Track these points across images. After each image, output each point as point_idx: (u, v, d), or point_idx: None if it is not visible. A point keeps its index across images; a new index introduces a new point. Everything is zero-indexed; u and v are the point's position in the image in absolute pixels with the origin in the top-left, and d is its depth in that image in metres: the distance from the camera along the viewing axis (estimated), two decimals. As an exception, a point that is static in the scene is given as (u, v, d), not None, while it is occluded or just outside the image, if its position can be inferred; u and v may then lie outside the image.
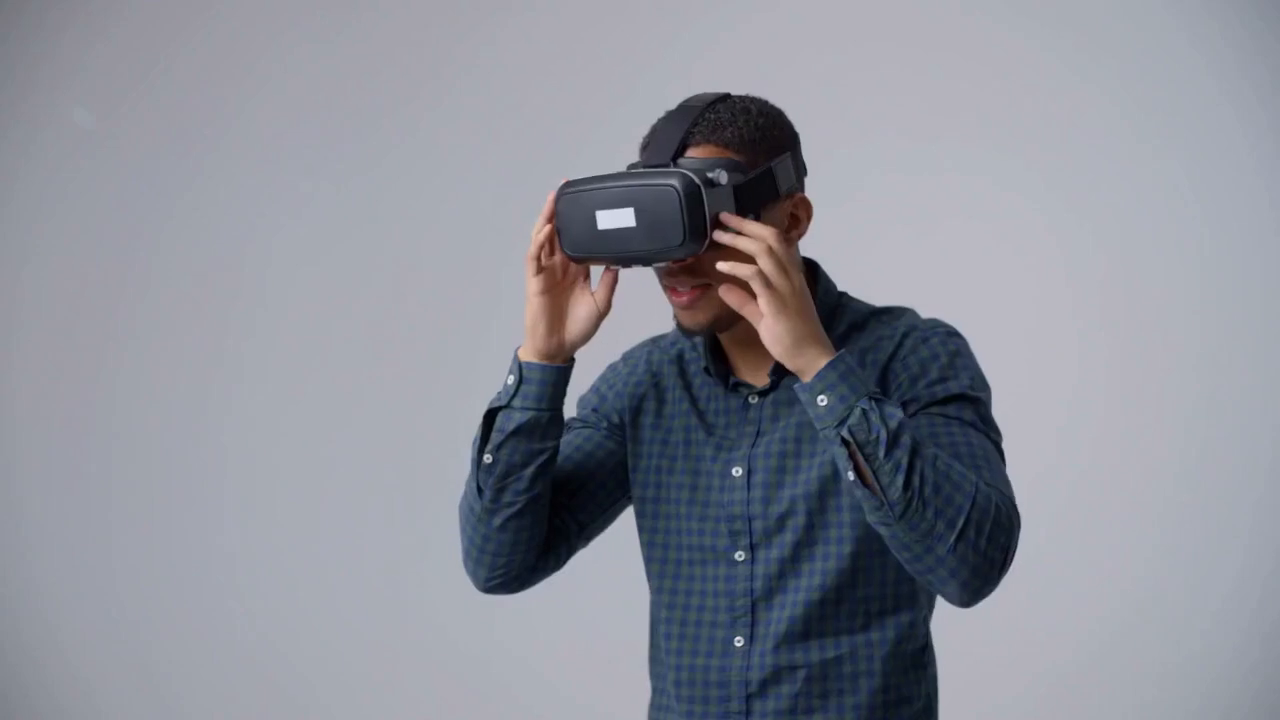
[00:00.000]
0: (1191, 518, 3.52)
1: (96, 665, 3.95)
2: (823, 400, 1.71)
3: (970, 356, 1.87)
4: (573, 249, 1.78)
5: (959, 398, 1.83)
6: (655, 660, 1.98)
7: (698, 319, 1.82)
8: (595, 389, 2.03)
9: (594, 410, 2.00)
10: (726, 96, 1.83)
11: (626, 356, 2.03)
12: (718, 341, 1.92)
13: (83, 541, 3.99)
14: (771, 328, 1.71)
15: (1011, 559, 1.75)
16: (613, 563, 3.18)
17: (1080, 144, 3.55)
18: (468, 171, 3.87)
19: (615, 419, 1.98)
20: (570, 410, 2.00)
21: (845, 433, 1.69)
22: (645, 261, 1.77)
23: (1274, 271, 3.50)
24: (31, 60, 3.95)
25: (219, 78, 3.94)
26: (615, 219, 1.74)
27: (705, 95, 1.84)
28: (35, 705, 3.96)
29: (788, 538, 1.85)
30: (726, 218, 1.72)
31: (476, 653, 3.85)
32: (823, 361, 1.71)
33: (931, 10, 3.61)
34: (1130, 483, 3.51)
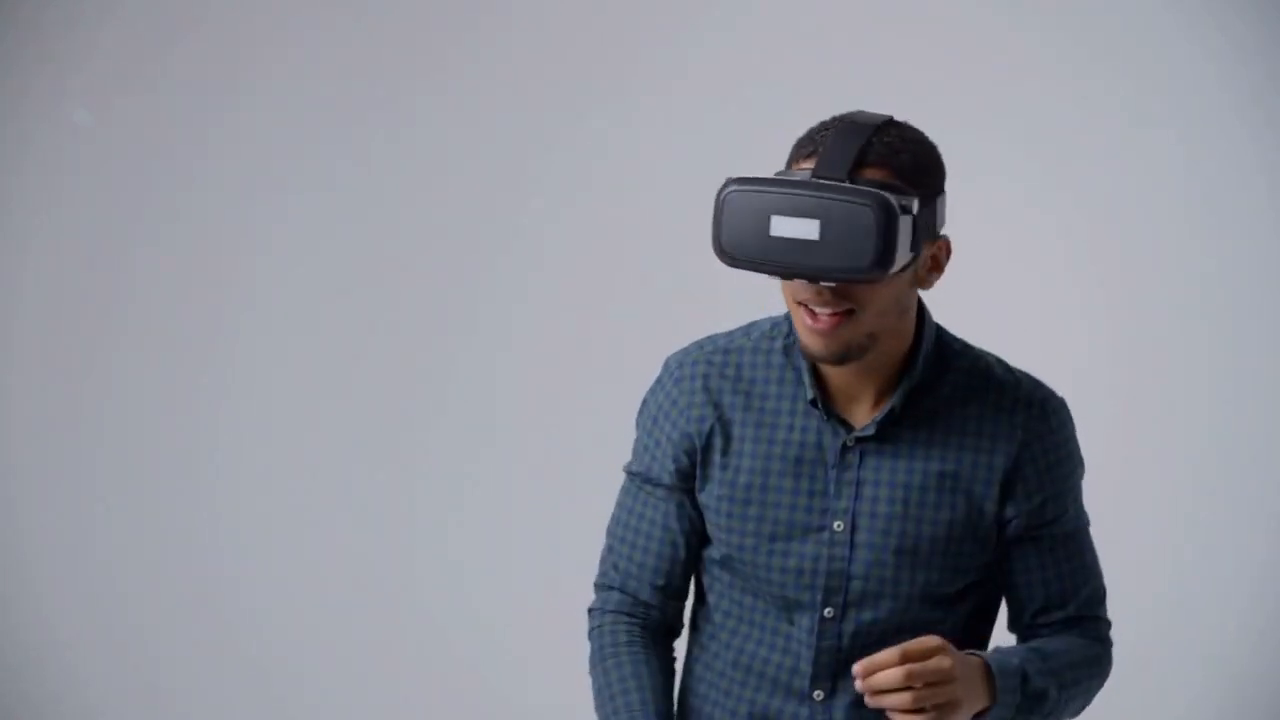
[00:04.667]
0: (1202, 525, 3.51)
1: (95, 665, 3.95)
2: None
3: (1075, 435, 1.89)
4: (734, 252, 1.67)
5: (1077, 517, 1.87)
6: (701, 696, 1.94)
7: (831, 346, 1.73)
8: (651, 433, 1.90)
9: (677, 470, 1.88)
10: (893, 121, 1.74)
11: (675, 377, 1.89)
12: (817, 367, 1.82)
13: (80, 540, 3.99)
14: None
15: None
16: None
17: (1082, 145, 3.54)
18: (466, 170, 3.87)
19: (684, 462, 1.88)
20: (625, 448, 1.94)
21: None
22: (822, 278, 1.65)
23: (1276, 273, 3.50)
24: (31, 60, 3.95)
25: (217, 77, 3.94)
26: (794, 228, 1.62)
27: (869, 114, 1.75)
28: (35, 705, 3.96)
29: (884, 604, 1.82)
30: (859, 667, 1.64)
31: (475, 651, 3.85)
32: (984, 705, 1.71)
33: (932, 9, 3.61)
34: (1136, 488, 3.50)
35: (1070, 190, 3.55)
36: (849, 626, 1.82)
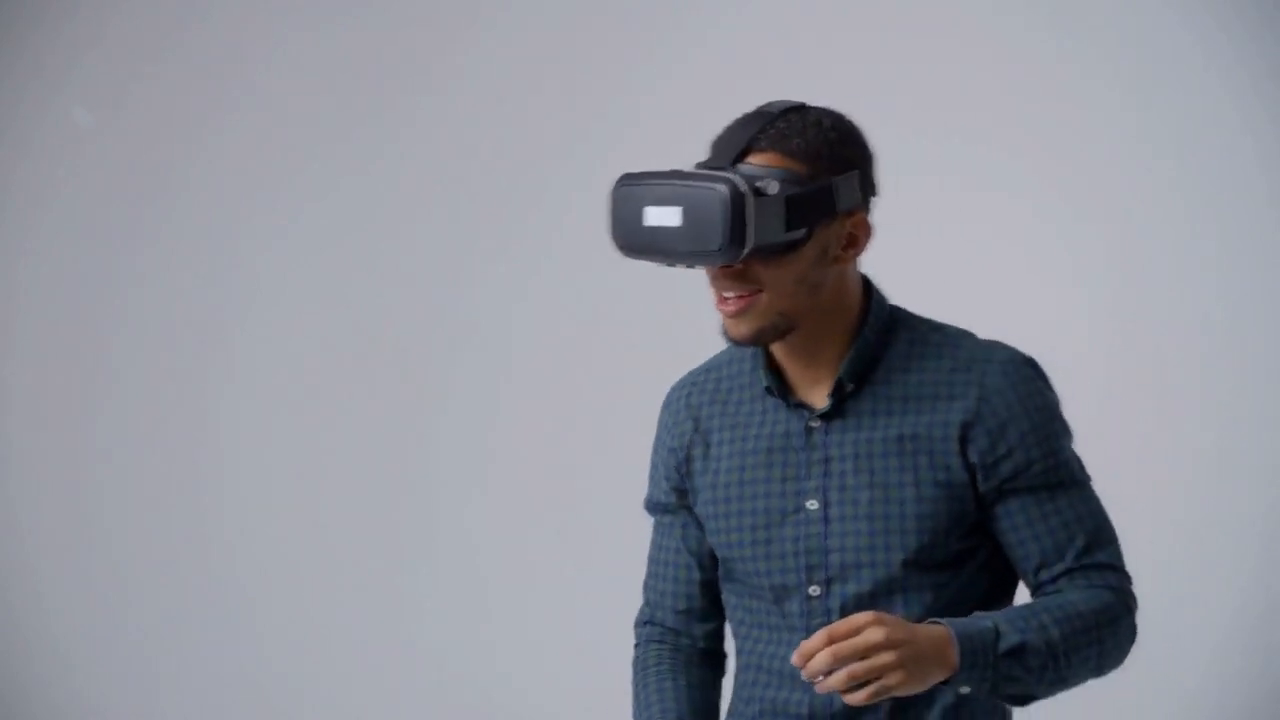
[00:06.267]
0: (1197, 529, 3.51)
1: (95, 665, 3.95)
2: (966, 689, 1.75)
3: (1050, 393, 1.89)
4: (620, 243, 1.80)
5: (1061, 467, 1.86)
6: (730, 707, 1.99)
7: (742, 329, 1.81)
8: (653, 461, 2.02)
9: (673, 489, 1.98)
10: (802, 106, 1.83)
11: (666, 403, 2.01)
12: (772, 356, 1.89)
13: (79, 541, 3.99)
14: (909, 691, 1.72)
15: (1137, 628, 1.87)
16: (607, 570, 3.17)
17: (1084, 145, 3.55)
18: (464, 170, 3.87)
19: (675, 479, 1.97)
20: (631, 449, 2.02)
21: (999, 697, 1.77)
22: (687, 263, 1.77)
23: (1276, 271, 3.50)
24: (31, 60, 3.95)
25: (218, 77, 3.94)
26: (662, 217, 1.75)
27: (781, 102, 1.84)
28: (35, 705, 3.96)
29: (865, 573, 1.84)
30: (795, 657, 1.68)
31: (477, 653, 3.86)
32: (950, 673, 1.72)
33: (934, 8, 3.61)
34: (1127, 488, 3.50)
35: (1068, 189, 3.56)
36: (834, 603, 1.85)
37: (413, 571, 3.89)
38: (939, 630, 1.72)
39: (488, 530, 3.86)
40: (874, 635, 1.66)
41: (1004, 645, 1.74)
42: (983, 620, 1.75)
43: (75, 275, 4.00)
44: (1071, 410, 3.71)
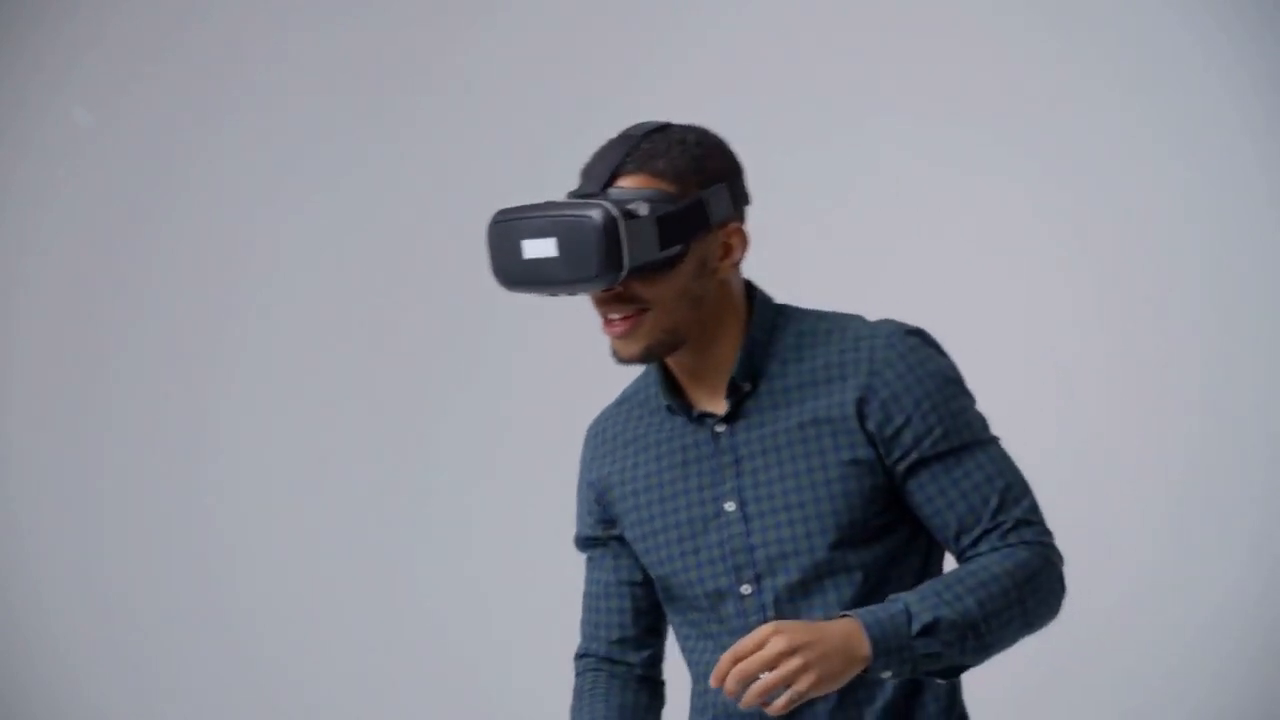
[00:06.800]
0: (1189, 521, 3.52)
1: (95, 665, 3.95)
2: (888, 675, 1.76)
3: (942, 358, 1.90)
4: (502, 278, 1.85)
5: (962, 430, 1.86)
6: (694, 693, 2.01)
7: (630, 349, 1.85)
8: (577, 499, 2.05)
9: (597, 521, 2.01)
10: (666, 126, 1.86)
11: (586, 439, 2.05)
12: (671, 375, 1.93)
13: (79, 541, 3.99)
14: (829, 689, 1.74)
15: (1064, 579, 1.86)
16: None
17: (1084, 144, 3.55)
18: (464, 169, 3.87)
19: (598, 511, 2.01)
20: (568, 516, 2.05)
21: (924, 676, 1.79)
22: (568, 291, 1.81)
23: (1275, 271, 3.50)
24: (31, 60, 3.95)
25: (216, 77, 3.94)
26: (539, 249, 1.79)
27: (645, 124, 1.87)
28: (35, 705, 3.96)
29: (793, 563, 1.86)
30: (712, 682, 1.72)
31: (475, 654, 3.86)
32: (865, 663, 1.73)
33: (934, 8, 3.61)
34: (1127, 484, 3.51)
35: (1068, 189, 3.56)
36: (767, 597, 1.87)
37: (413, 571, 3.89)
38: (847, 623, 1.73)
39: (488, 530, 3.87)
40: (777, 644, 1.69)
41: (917, 625, 1.75)
42: (894, 604, 1.76)
43: (76, 275, 4.01)
44: (1072, 410, 3.72)
